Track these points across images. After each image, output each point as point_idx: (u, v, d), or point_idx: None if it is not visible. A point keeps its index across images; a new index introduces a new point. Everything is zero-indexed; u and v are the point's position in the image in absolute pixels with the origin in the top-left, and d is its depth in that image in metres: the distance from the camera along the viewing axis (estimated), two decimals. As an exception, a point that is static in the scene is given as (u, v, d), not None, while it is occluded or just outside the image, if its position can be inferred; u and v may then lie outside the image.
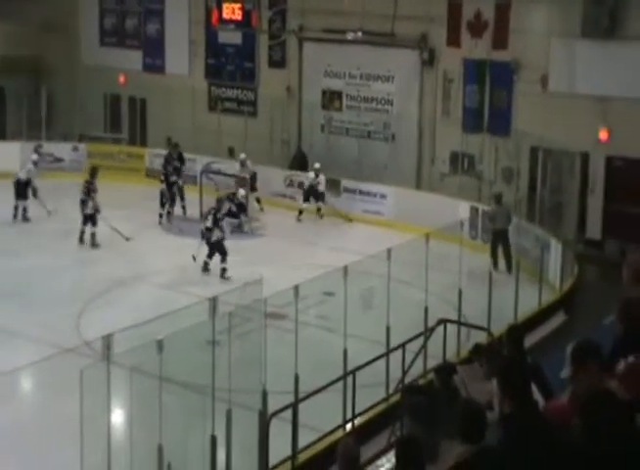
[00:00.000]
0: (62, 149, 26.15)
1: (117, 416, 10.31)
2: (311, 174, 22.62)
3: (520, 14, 20.83)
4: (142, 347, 8.94)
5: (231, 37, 26.07)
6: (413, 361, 12.13)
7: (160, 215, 21.84)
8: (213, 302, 9.52)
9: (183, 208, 22.39)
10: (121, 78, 28.12)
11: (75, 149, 26.43)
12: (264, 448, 10.00)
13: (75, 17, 29.11)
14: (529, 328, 13.39)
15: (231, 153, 24.82)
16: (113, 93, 28.37)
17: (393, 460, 5.93)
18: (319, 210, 22.62)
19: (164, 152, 23.80)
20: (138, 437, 9.33)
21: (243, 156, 23.04)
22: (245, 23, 24.23)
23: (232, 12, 23.94)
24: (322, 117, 24.72)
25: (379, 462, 9.13)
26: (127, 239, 19.67)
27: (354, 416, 11.38)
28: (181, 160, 23.16)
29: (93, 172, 20.65)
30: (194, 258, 18.16)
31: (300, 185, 23.38)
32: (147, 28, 28.14)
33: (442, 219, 16.77)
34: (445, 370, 8.37)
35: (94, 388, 8.54)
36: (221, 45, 26.63)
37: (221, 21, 24.26)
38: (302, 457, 10.54)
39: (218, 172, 23.40)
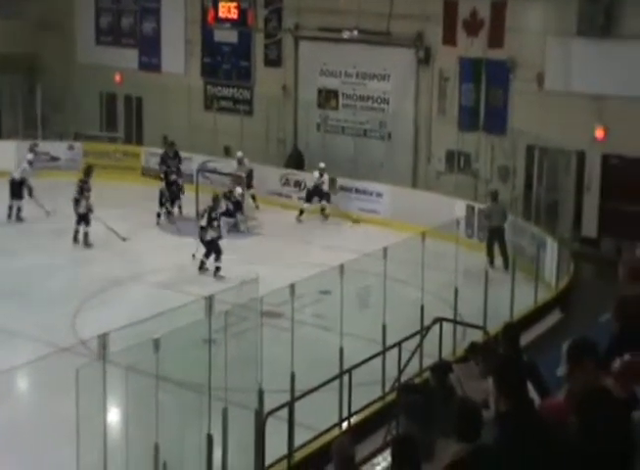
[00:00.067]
0: (57, 148, 26.10)
1: (113, 415, 10.32)
2: (316, 174, 22.41)
3: (515, 12, 20.86)
4: (138, 346, 8.93)
5: (227, 36, 26.06)
6: (409, 360, 12.15)
7: (159, 215, 21.71)
8: (209, 300, 9.51)
9: (179, 207, 22.35)
10: (117, 77, 28.10)
11: (71, 148, 26.37)
12: (260, 447, 10.01)
13: (71, 15, 29.08)
14: (525, 326, 13.43)
15: (227, 151, 24.78)
16: (108, 92, 28.35)
17: (389, 459, 5.93)
18: (324, 209, 22.49)
19: (160, 151, 23.77)
20: (134, 436, 9.34)
21: (240, 154, 23.04)
22: (240, 22, 24.27)
23: (228, 10, 23.96)
24: (318, 116, 24.68)
25: (375, 461, 9.17)
26: (124, 239, 19.60)
27: (350, 415, 11.41)
28: (178, 158, 23.14)
29: (87, 171, 20.56)
30: (194, 257, 18.19)
31: (297, 184, 23.37)
32: (143, 27, 28.12)
33: (438, 218, 16.75)
34: (441, 369, 8.37)
35: (90, 387, 8.52)
36: (217, 44, 26.61)
37: (217, 19, 24.29)
38: (299, 456, 10.56)
39: (214, 171, 23.38)
